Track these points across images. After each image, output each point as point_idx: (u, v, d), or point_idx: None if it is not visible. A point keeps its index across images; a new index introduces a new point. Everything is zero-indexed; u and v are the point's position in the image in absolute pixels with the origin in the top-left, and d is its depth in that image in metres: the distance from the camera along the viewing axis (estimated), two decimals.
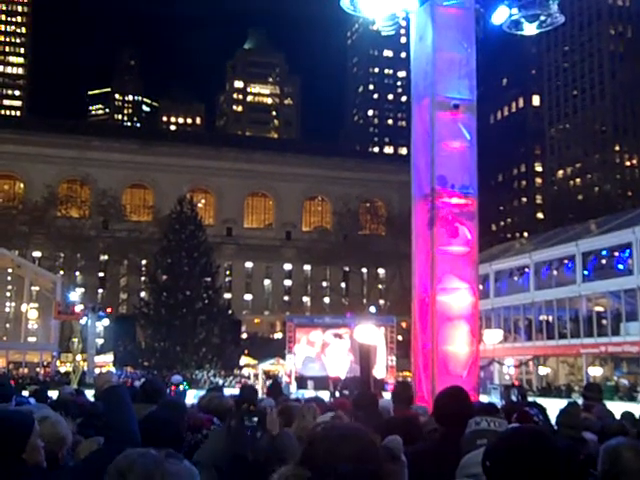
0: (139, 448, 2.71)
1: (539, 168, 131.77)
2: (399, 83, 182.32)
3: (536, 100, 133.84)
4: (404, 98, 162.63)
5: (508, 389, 23.70)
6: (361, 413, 7.03)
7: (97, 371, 49.72)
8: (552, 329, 49.48)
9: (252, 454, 4.78)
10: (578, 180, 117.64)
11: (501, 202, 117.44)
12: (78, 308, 49.89)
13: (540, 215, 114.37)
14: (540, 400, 12.95)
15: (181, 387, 24.28)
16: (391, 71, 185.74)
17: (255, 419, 5.04)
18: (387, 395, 11.79)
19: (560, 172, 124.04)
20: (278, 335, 74.28)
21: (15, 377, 39.14)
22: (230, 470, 4.43)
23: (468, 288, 13.73)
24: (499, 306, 52.67)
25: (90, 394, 13.26)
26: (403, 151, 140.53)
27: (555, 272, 49.82)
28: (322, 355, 47.25)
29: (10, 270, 62.85)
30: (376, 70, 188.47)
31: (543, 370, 50.09)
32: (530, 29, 14.73)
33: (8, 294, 65.62)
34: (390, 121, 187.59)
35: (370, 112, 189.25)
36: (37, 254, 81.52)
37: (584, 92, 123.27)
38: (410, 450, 5.63)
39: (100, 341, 59.97)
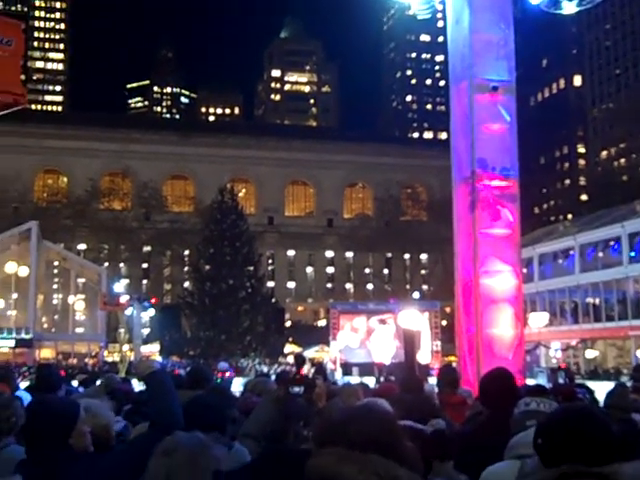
0: (186, 432, 2.75)
1: (582, 149, 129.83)
2: (437, 67, 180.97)
3: (578, 80, 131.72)
4: (442, 83, 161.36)
5: (555, 372, 23.51)
6: (408, 397, 7.03)
7: None
8: (599, 312, 48.92)
9: (298, 422, 4.78)
10: (622, 160, 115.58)
11: (544, 185, 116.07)
12: (123, 299, 50.35)
13: (584, 197, 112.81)
14: (588, 383, 12.83)
15: (227, 374, 24.44)
16: (429, 56, 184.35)
17: (301, 388, 5.05)
18: (432, 380, 11.77)
19: (604, 153, 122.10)
20: (322, 322, 74.39)
21: (64, 367, 39.68)
22: (276, 439, 4.43)
23: (511, 271, 13.63)
24: (544, 289, 52.17)
25: (137, 383, 13.42)
26: (443, 136, 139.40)
27: (601, 254, 49.22)
28: (367, 342, 47.21)
29: (56, 263, 63.83)
30: (413, 55, 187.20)
31: (591, 353, 49.54)
32: (569, 7, 14.53)
33: (55, 286, 66.65)
34: (429, 106, 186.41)
35: (408, 97, 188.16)
36: (82, 247, 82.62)
37: (627, 70, 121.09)
38: (456, 432, 5.63)
39: (146, 331, 60.55)
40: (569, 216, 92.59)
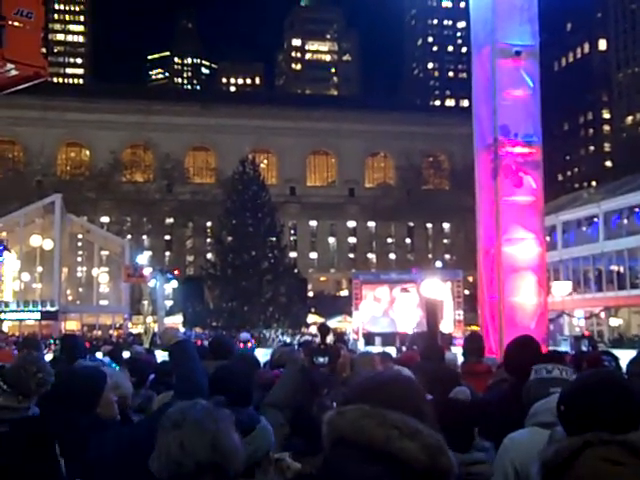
0: (189, 400, 2.75)
1: (607, 115, 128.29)
2: (459, 34, 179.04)
3: (602, 44, 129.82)
4: (464, 49, 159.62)
5: (578, 340, 23.45)
6: (428, 365, 7.01)
7: None
8: (623, 279, 48.60)
9: (323, 391, 4.78)
10: None
11: (568, 151, 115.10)
12: (146, 271, 50.68)
13: (608, 163, 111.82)
14: (612, 351, 12.74)
15: (249, 344, 24.56)
16: (450, 22, 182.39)
17: (326, 358, 5.04)
18: (455, 349, 11.73)
19: (629, 118, 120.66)
20: (344, 292, 74.54)
21: (89, 339, 40.09)
22: (300, 409, 4.43)
23: (534, 238, 13.52)
24: (567, 257, 51.86)
25: (160, 354, 13.52)
26: (465, 103, 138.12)
27: (625, 221, 48.80)
28: (390, 311, 47.21)
29: (80, 236, 64.23)
30: (435, 22, 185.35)
31: (615, 321, 49.32)
32: None
33: (79, 259, 67.16)
34: (451, 73, 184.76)
35: (430, 65, 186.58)
36: (105, 219, 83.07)
37: None
38: (480, 399, 5.61)
39: (169, 303, 60.96)
40: (593, 183, 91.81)
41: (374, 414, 2.28)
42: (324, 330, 8.87)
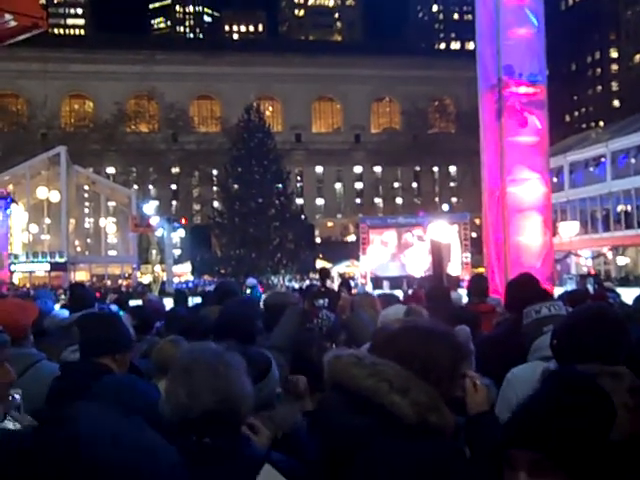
0: (200, 343, 2.78)
1: (614, 54, 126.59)
2: None
3: None
4: None
5: (584, 278, 23.51)
6: (433, 304, 7.06)
7: (176, 280, 51.01)
8: (631, 218, 48.54)
9: (323, 333, 4.84)
10: None
11: (575, 92, 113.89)
12: (153, 220, 50.80)
13: (616, 103, 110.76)
14: (619, 290, 12.79)
15: (256, 290, 24.67)
16: None
17: (326, 299, 5.10)
18: (462, 292, 11.78)
19: (637, 57, 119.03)
20: (351, 238, 74.64)
21: (99, 289, 40.36)
22: (301, 351, 4.49)
23: (539, 178, 13.45)
24: (574, 198, 51.75)
25: (169, 302, 13.70)
26: (470, 46, 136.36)
27: (633, 160, 48.53)
28: (401, 255, 47.30)
29: (86, 187, 64.32)
30: None
31: (622, 260, 49.38)
32: None
33: (87, 210, 67.36)
34: (456, 16, 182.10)
35: (434, 7, 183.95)
36: (111, 170, 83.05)
37: None
38: (480, 337, 5.65)
39: (177, 252, 61.28)
40: (601, 123, 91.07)
41: (367, 364, 2.29)
42: (324, 274, 8.91)
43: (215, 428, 2.46)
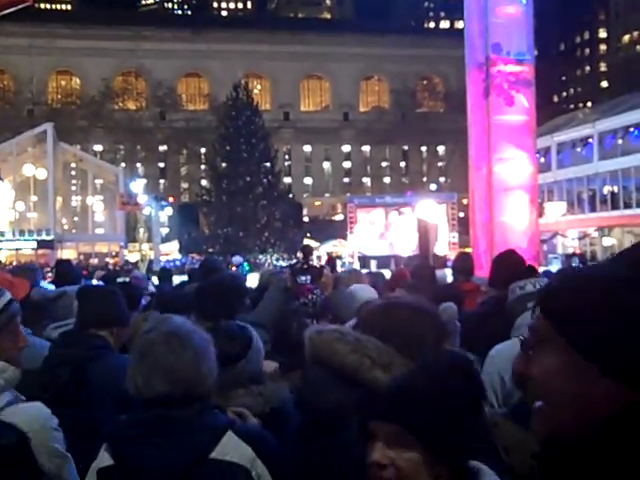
0: (164, 319, 2.79)
1: (603, 34, 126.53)
2: None
3: None
4: None
5: (569, 258, 23.65)
6: (418, 282, 7.09)
7: (163, 259, 50.92)
8: (617, 199, 48.71)
9: (307, 308, 4.85)
10: None
11: (563, 72, 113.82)
12: (141, 199, 50.62)
13: (604, 84, 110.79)
14: None
15: (242, 268, 24.66)
16: None
17: (308, 276, 5.12)
18: (448, 271, 11.81)
19: (626, 37, 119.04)
20: (339, 217, 74.60)
21: (86, 267, 40.25)
22: (283, 328, 4.51)
23: (526, 157, 13.49)
24: (562, 179, 51.86)
25: (156, 280, 13.78)
26: (459, 25, 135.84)
27: (620, 141, 48.61)
28: (387, 234, 47.34)
29: (73, 165, 63.88)
30: None
31: (608, 241, 49.58)
32: None
33: (74, 188, 66.91)
34: None
35: None
36: (98, 148, 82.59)
37: None
38: (465, 314, 5.68)
39: (165, 230, 61.04)
40: (589, 104, 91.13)
41: (350, 340, 2.30)
42: (307, 251, 8.92)
43: (173, 404, 2.50)
